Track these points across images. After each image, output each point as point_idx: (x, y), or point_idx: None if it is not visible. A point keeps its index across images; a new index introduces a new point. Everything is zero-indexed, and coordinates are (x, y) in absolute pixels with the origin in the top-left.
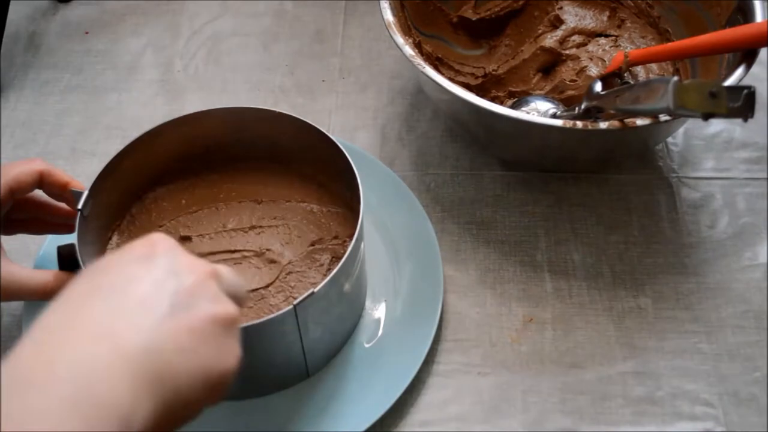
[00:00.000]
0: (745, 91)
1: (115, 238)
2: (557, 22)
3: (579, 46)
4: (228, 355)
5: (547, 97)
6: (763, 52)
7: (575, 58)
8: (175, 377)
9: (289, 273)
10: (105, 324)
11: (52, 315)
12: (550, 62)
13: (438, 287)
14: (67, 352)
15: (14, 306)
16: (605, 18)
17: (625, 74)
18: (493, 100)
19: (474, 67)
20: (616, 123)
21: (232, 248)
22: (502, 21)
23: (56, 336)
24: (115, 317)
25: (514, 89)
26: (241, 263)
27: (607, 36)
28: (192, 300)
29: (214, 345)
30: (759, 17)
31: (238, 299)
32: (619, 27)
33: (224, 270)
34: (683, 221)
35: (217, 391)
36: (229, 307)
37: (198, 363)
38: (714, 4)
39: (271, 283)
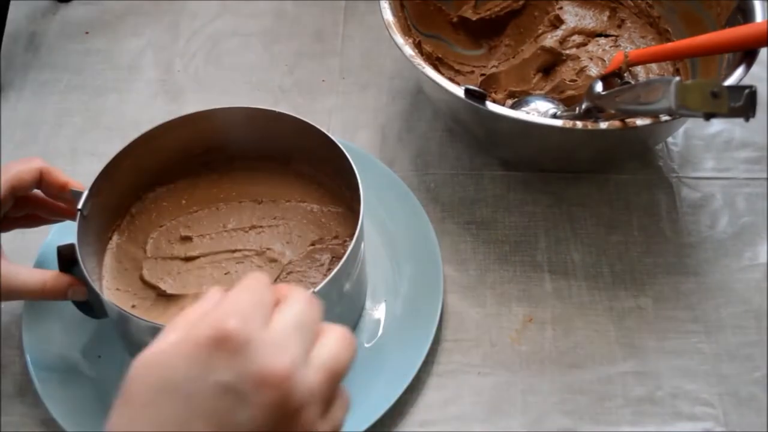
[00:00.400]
0: (747, 91)
1: (115, 238)
2: (557, 22)
3: (579, 46)
4: None
5: (547, 97)
6: (763, 52)
7: (575, 58)
8: None
9: (290, 273)
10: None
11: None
12: (550, 62)
13: (438, 287)
14: None
15: (14, 306)
16: (605, 18)
17: (625, 74)
18: (493, 100)
19: (474, 67)
20: (616, 123)
21: (233, 248)
22: (502, 21)
23: None
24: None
25: (514, 89)
26: (242, 262)
27: (607, 36)
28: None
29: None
30: (759, 17)
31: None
32: (619, 27)
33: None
34: (683, 221)
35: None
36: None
37: None
38: (714, 4)
39: (272, 283)
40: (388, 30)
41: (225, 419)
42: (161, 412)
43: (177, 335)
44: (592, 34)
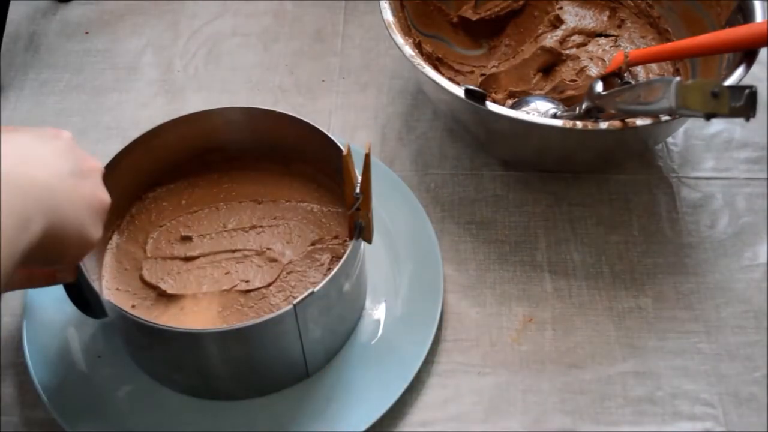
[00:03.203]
0: (747, 91)
1: (115, 238)
2: (557, 22)
3: (579, 46)
4: (96, 230)
5: (547, 97)
6: (763, 52)
7: (575, 58)
8: (61, 218)
9: (290, 272)
10: (25, 153)
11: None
12: (550, 62)
13: (438, 287)
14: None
15: (14, 306)
16: (605, 18)
17: (625, 74)
18: (493, 100)
19: (474, 67)
20: (616, 123)
21: (233, 248)
22: (502, 21)
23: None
24: (33, 153)
25: (514, 89)
26: (243, 262)
27: (607, 36)
28: (87, 175)
29: (92, 217)
30: (759, 17)
31: None
32: (619, 27)
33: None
34: (683, 221)
35: (79, 254)
36: (107, 198)
37: (78, 222)
38: (714, 4)
39: (272, 283)
40: (388, 30)
41: (66, 155)
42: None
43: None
44: (592, 34)
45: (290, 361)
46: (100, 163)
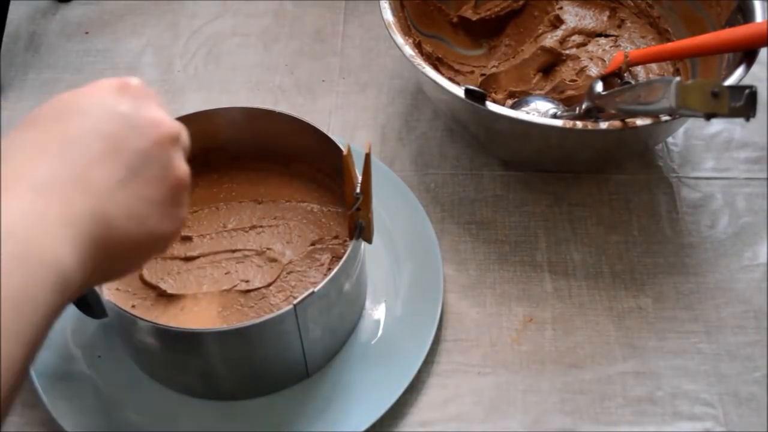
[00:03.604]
0: (747, 91)
1: None
2: (557, 22)
3: (579, 46)
4: (174, 219)
5: (547, 97)
6: (763, 52)
7: (575, 58)
8: (121, 242)
9: (290, 272)
10: (58, 180)
11: (11, 146)
12: (550, 62)
13: (438, 287)
14: (15, 203)
15: None
16: (605, 18)
17: (625, 74)
18: (493, 100)
19: (474, 67)
20: (616, 123)
21: (233, 248)
22: (502, 21)
23: (9, 179)
24: (69, 175)
25: (514, 89)
26: (242, 262)
27: (607, 36)
28: (148, 163)
29: (163, 211)
30: (759, 17)
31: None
32: (619, 27)
33: (184, 131)
34: (683, 221)
35: (157, 251)
36: (182, 172)
37: (145, 229)
38: (714, 4)
39: (272, 282)
40: (388, 30)
41: (120, 143)
42: (67, 128)
43: (87, 86)
44: (592, 34)
45: (290, 361)
46: (170, 124)
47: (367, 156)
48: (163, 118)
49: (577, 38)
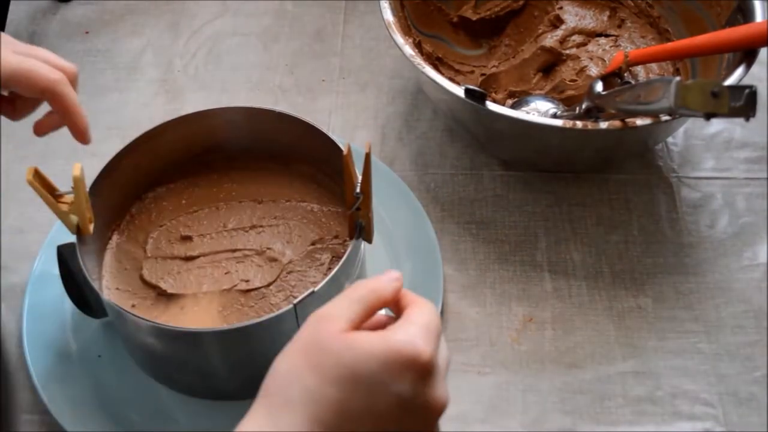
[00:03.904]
0: (747, 91)
1: (115, 238)
2: (557, 22)
3: (579, 45)
4: None
5: (547, 97)
6: (763, 52)
7: (575, 58)
8: None
9: (290, 272)
10: None
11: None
12: (550, 62)
13: (438, 287)
14: None
15: (15, 305)
16: (605, 18)
17: (625, 74)
18: (493, 100)
19: (474, 67)
20: (616, 123)
21: (233, 247)
22: (502, 21)
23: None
24: None
25: (514, 89)
26: (242, 262)
27: (607, 36)
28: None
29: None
30: (759, 17)
31: None
32: (619, 27)
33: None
34: (683, 221)
35: None
36: (443, 401)
37: None
38: (714, 4)
39: (272, 282)
40: (388, 30)
41: (389, 424)
42: (344, 395)
43: (378, 339)
44: (592, 34)
45: None
46: (441, 400)
47: (367, 156)
48: (441, 398)
49: (577, 38)
